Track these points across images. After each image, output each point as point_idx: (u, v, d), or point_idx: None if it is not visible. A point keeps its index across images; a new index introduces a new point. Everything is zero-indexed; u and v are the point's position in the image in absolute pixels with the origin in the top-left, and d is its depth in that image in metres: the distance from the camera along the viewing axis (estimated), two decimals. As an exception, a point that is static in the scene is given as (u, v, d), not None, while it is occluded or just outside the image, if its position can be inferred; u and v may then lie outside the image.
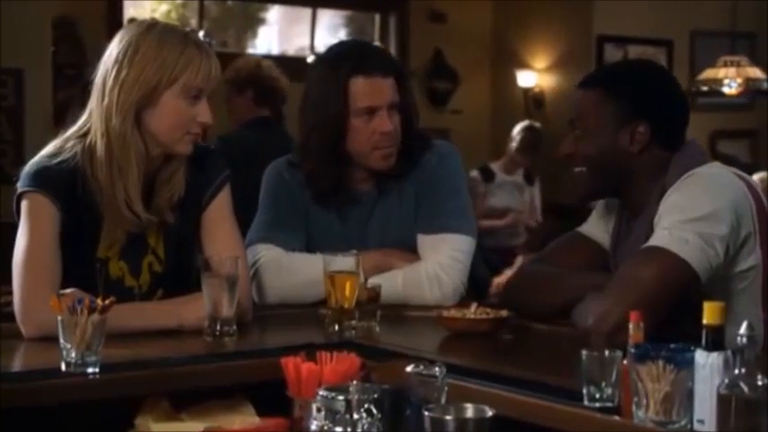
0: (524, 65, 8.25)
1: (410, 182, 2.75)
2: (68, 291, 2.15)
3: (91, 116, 2.35)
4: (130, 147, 2.31)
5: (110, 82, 2.31)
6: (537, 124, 7.12)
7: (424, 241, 2.72)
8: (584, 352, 1.70)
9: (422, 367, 1.80)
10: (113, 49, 2.34)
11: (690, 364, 1.57)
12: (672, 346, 1.60)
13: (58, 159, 2.31)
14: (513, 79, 8.23)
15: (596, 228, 2.53)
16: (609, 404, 1.67)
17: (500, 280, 5.36)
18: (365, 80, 2.66)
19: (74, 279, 2.25)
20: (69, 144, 2.34)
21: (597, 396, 1.68)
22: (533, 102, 8.18)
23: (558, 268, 2.45)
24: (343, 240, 2.69)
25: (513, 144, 6.88)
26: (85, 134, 2.35)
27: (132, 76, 2.29)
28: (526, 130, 6.92)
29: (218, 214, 2.45)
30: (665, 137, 2.33)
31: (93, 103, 2.35)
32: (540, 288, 2.43)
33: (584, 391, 1.69)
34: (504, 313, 2.32)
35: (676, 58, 8.07)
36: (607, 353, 1.69)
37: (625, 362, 1.66)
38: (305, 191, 2.77)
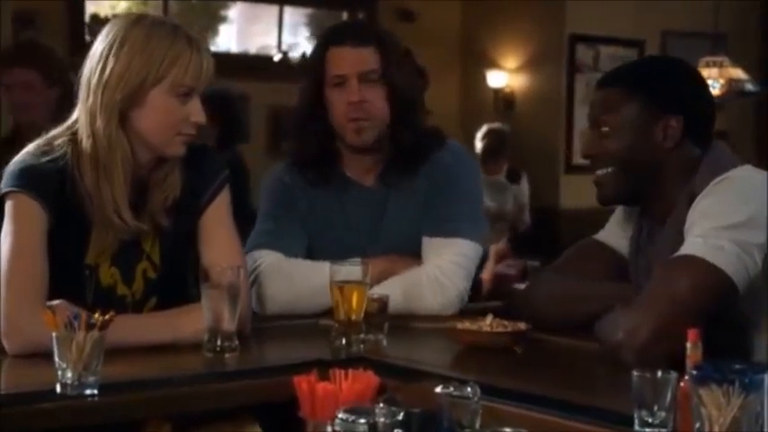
0: (494, 65, 8.14)
1: (421, 178, 2.62)
2: (56, 302, 2.00)
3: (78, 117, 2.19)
4: (116, 149, 2.15)
5: (94, 80, 2.15)
6: (496, 125, 6.96)
7: (429, 244, 2.58)
8: (635, 372, 1.56)
9: (452, 388, 1.67)
10: (99, 44, 2.18)
11: (759, 386, 1.43)
12: (736, 366, 1.47)
13: (47, 158, 2.15)
14: (483, 79, 8.11)
15: (614, 235, 2.39)
16: (663, 430, 1.54)
17: (484, 276, 5.26)
18: (335, 49, 2.61)
19: (60, 287, 2.09)
20: (58, 142, 2.17)
21: (649, 420, 1.55)
22: (504, 102, 8.06)
23: (579, 277, 2.32)
24: (353, 242, 2.56)
25: (478, 151, 6.74)
26: (75, 133, 2.19)
27: (117, 72, 2.13)
28: (486, 135, 6.78)
29: (217, 219, 2.29)
30: (697, 132, 2.20)
31: (78, 103, 2.19)
32: (561, 299, 2.30)
33: (635, 414, 1.56)
34: (522, 326, 2.19)
35: (647, 59, 7.99)
36: (660, 373, 1.56)
37: (682, 384, 1.53)
38: (307, 190, 2.64)
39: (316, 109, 2.62)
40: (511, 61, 8.11)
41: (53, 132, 2.22)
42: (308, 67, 2.69)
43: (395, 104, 2.60)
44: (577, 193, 7.60)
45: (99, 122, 2.13)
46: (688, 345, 1.57)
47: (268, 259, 2.53)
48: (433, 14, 8.29)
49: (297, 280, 2.50)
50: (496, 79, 8.13)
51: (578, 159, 7.77)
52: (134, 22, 2.18)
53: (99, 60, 2.15)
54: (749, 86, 6.20)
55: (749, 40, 8.24)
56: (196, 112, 2.19)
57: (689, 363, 1.55)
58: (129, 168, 2.17)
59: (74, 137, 2.18)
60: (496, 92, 8.10)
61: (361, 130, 2.59)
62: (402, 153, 2.61)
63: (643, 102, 2.19)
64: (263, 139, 7.59)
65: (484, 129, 6.84)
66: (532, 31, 7.96)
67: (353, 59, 2.58)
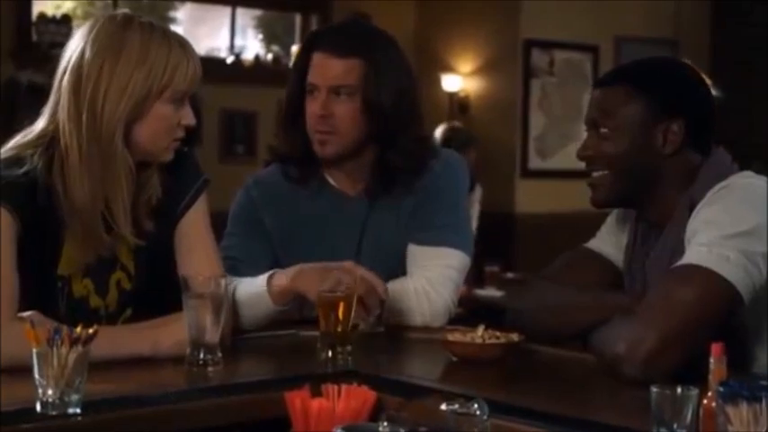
0: (449, 69, 8.07)
1: (409, 194, 2.50)
2: (28, 313, 1.89)
3: (55, 125, 2.06)
4: (120, 165, 2.04)
5: (88, 92, 2.02)
6: (457, 123, 6.85)
7: (415, 253, 2.48)
8: (653, 388, 1.50)
9: (457, 405, 1.59)
10: (86, 50, 2.03)
11: (789, 404, 1.37)
12: (763, 382, 1.41)
13: (19, 169, 2.02)
14: (438, 83, 8.04)
15: (607, 243, 2.31)
16: (684, 448, 1.48)
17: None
18: (317, 55, 2.48)
19: (32, 298, 1.99)
20: (28, 152, 2.05)
21: (669, 439, 1.49)
22: (458, 106, 8.00)
23: (574, 286, 2.23)
24: (327, 254, 2.41)
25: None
26: (48, 144, 2.06)
27: (118, 86, 2.01)
28: (446, 131, 6.62)
29: (194, 226, 2.19)
30: (699, 138, 2.13)
31: (63, 114, 2.05)
32: (556, 308, 2.21)
33: (654, 433, 1.49)
34: (515, 337, 2.11)
35: (601, 64, 7.99)
36: (680, 389, 1.49)
37: (705, 400, 1.47)
38: (277, 203, 2.54)
39: (299, 109, 2.51)
40: (466, 65, 8.06)
41: (17, 142, 2.08)
42: (294, 67, 2.58)
43: (374, 121, 2.47)
44: (533, 198, 7.58)
45: (101, 137, 2.02)
46: (711, 360, 1.51)
47: None
48: (388, 18, 8.19)
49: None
50: (451, 83, 8.07)
51: (534, 164, 7.75)
52: (123, 26, 2.05)
53: (92, 68, 2.02)
54: (712, 92, 6.18)
55: (700, 48, 8.27)
56: (187, 114, 2.10)
57: (713, 378, 1.49)
58: (132, 182, 2.07)
59: (49, 148, 2.06)
60: (451, 96, 8.04)
61: (324, 143, 2.48)
62: (390, 172, 2.49)
63: (645, 103, 2.11)
64: (216, 142, 7.48)
65: (442, 127, 6.64)
66: (487, 36, 7.91)
67: (329, 71, 2.45)
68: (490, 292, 5.69)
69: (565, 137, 7.66)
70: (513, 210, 7.59)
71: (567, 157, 7.86)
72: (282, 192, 2.57)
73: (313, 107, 2.47)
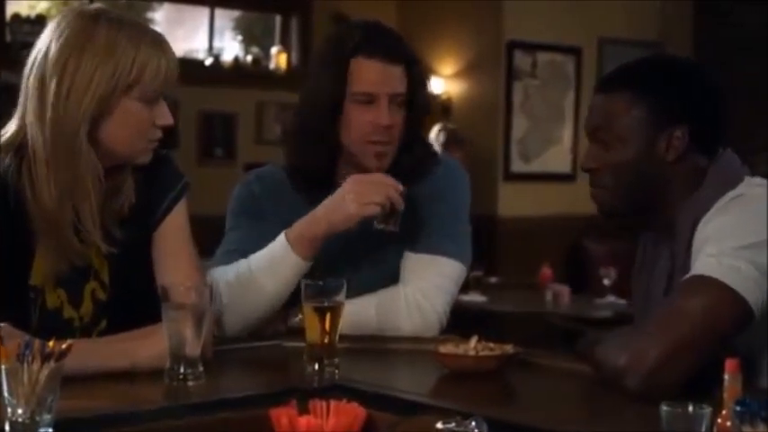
0: (431, 71, 7.97)
1: (414, 199, 2.39)
2: (-2, 326, 1.80)
3: (24, 127, 1.96)
4: (84, 164, 1.93)
5: (52, 89, 1.91)
6: (450, 125, 6.83)
7: (411, 260, 2.39)
8: (664, 406, 1.41)
9: (453, 423, 1.50)
10: (52, 46, 1.93)
11: (810, 425, 1.29)
12: (782, 401, 1.32)
13: None
14: (419, 85, 7.97)
15: None
16: (696, 470, 1.39)
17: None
18: (367, 62, 2.33)
19: (1, 310, 1.87)
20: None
21: (681, 460, 1.40)
22: (441, 109, 7.92)
23: None
24: (334, 258, 2.34)
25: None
26: (19, 147, 1.96)
27: (81, 82, 1.91)
28: (441, 131, 6.59)
29: (174, 232, 2.09)
30: (704, 142, 2.03)
31: (29, 114, 1.94)
32: None
33: (665, 454, 1.41)
34: (509, 348, 2.03)
35: (585, 66, 7.92)
36: (691, 408, 1.41)
37: (719, 420, 1.38)
38: (281, 202, 2.43)
39: (331, 124, 2.36)
40: (448, 68, 7.97)
41: None
42: (326, 74, 2.37)
43: (409, 129, 2.40)
44: (516, 201, 7.50)
45: (64, 138, 1.91)
46: (726, 376, 1.42)
47: (225, 277, 2.32)
48: (368, 18, 8.13)
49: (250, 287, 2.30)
50: (433, 86, 7.98)
51: (516, 167, 7.67)
52: (92, 19, 1.94)
53: (56, 65, 1.91)
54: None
55: (684, 49, 8.22)
56: (163, 114, 1.99)
57: (728, 396, 1.40)
58: (100, 186, 1.96)
59: (19, 150, 1.96)
60: (433, 98, 7.96)
61: (383, 156, 2.37)
62: (401, 177, 2.36)
63: (647, 110, 2.00)
64: (194, 144, 7.37)
65: (437, 126, 6.65)
66: (470, 38, 7.83)
67: (385, 78, 2.33)
68: (474, 297, 5.62)
69: (547, 140, 7.58)
70: (495, 213, 7.51)
71: (550, 160, 7.80)
72: (285, 189, 2.46)
73: (373, 117, 2.33)
